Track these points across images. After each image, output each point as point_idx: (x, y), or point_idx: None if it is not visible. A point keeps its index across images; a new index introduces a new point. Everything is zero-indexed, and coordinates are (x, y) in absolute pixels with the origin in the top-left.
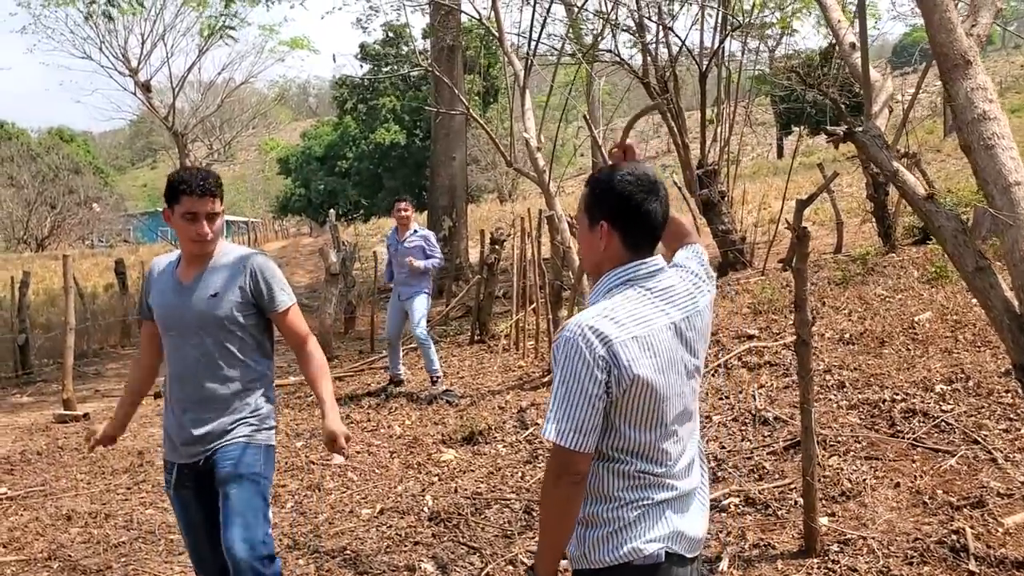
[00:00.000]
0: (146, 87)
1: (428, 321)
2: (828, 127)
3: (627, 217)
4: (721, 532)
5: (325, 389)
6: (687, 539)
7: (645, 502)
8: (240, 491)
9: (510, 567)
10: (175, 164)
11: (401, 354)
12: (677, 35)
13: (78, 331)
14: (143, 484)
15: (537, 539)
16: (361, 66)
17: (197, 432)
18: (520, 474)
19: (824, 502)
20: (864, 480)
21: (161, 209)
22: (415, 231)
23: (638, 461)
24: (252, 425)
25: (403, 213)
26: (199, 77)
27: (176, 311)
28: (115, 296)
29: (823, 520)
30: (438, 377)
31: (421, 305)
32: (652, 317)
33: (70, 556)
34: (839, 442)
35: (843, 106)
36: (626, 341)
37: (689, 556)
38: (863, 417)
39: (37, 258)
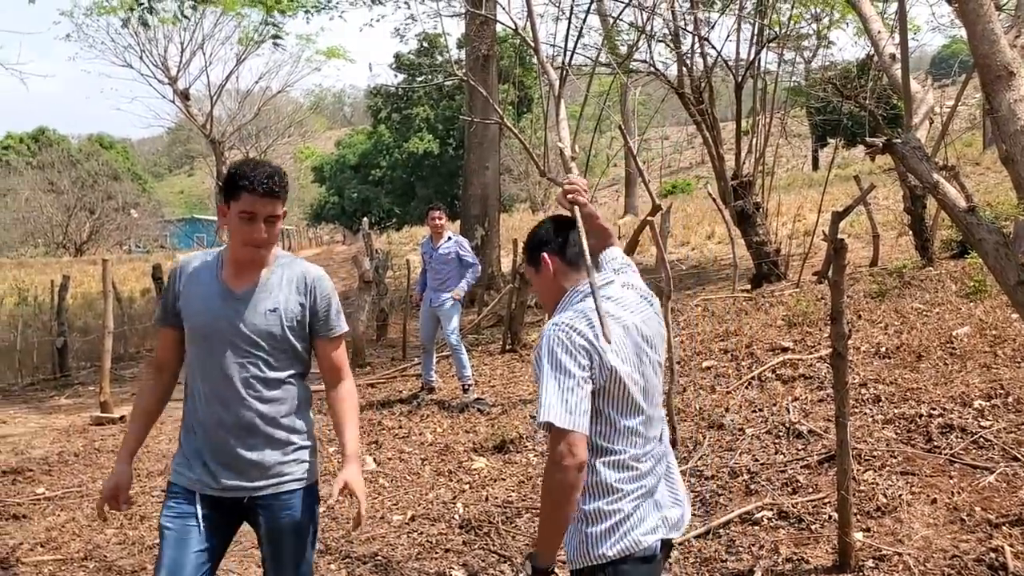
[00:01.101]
0: (185, 95)
1: (460, 329)
2: (867, 138)
3: (555, 242)
4: (754, 545)
5: (351, 436)
6: (670, 522)
7: (640, 491)
8: (298, 543)
9: None
10: (212, 172)
11: (435, 361)
12: (713, 46)
13: (115, 335)
14: None
15: (537, 529)
16: (396, 76)
17: (250, 457)
18: None
19: (859, 517)
20: (900, 496)
21: (206, 214)
22: (449, 238)
23: (629, 448)
24: (305, 462)
25: (437, 222)
26: (236, 86)
27: (223, 322)
28: (151, 301)
29: (858, 535)
30: (470, 385)
31: (453, 312)
32: (616, 317)
33: (106, 556)
34: (874, 457)
35: (880, 118)
36: (599, 335)
37: (674, 537)
38: (899, 432)
39: (76, 262)
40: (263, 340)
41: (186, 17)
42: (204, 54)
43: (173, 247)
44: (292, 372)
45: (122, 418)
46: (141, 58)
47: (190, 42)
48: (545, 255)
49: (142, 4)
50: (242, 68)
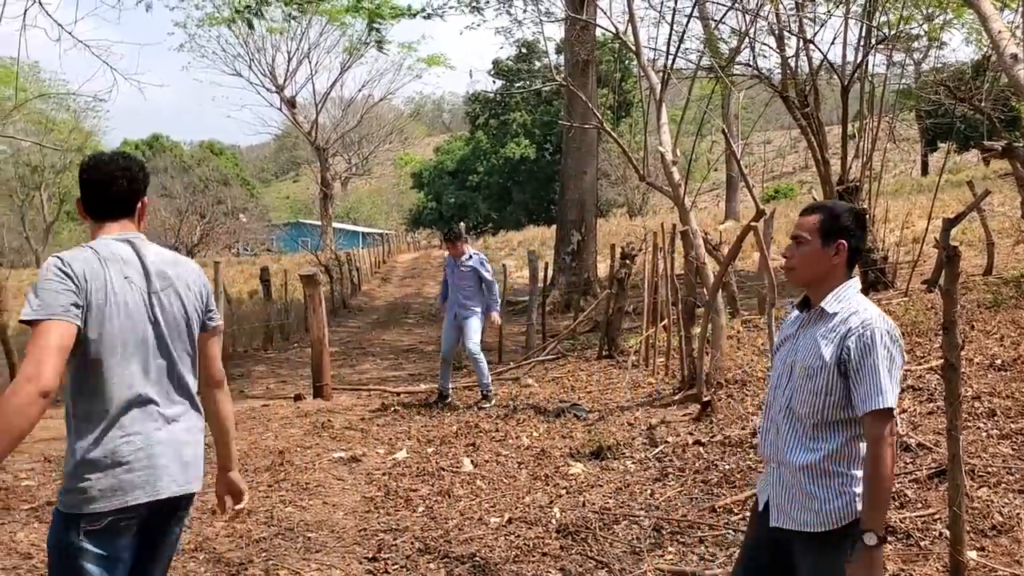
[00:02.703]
0: (291, 103)
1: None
2: (983, 142)
3: (858, 238)
4: None
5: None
6: None
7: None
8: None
9: None
10: (316, 178)
11: (451, 372)
12: (819, 48)
13: (225, 334)
14: (283, 483)
15: (871, 503)
16: (494, 82)
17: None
18: (649, 491)
19: (972, 535)
20: (1017, 515)
21: (293, 220)
22: (470, 256)
23: None
24: None
25: (454, 248)
26: (340, 94)
27: None
28: (259, 302)
29: (971, 554)
30: (489, 391)
31: (476, 324)
32: None
33: (215, 548)
34: (989, 473)
35: (998, 121)
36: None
37: None
38: (1016, 448)
39: None
40: None
41: (293, 19)
42: (310, 63)
43: (279, 250)
44: None
45: None
46: (250, 67)
47: (296, 51)
48: (844, 243)
49: (249, 7)
50: (346, 76)
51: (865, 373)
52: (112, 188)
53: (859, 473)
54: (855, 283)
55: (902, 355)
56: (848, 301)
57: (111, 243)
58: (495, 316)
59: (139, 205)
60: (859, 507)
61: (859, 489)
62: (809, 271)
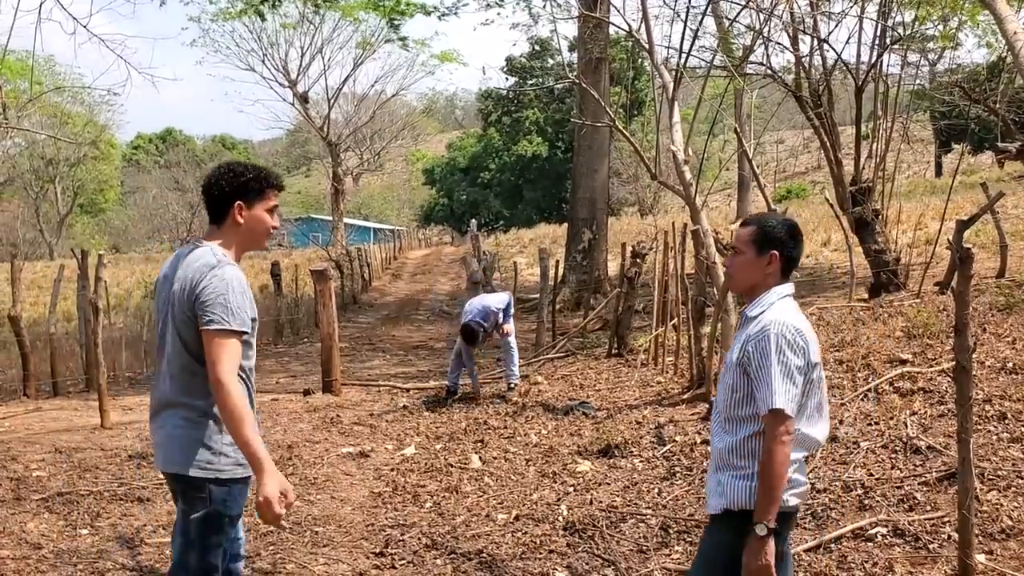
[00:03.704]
0: (304, 98)
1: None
2: (998, 143)
3: (790, 249)
4: (867, 562)
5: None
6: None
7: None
8: None
9: None
10: (328, 173)
11: (461, 369)
12: (833, 48)
13: None
14: (291, 477)
15: (761, 496)
16: (507, 79)
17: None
18: (657, 490)
19: (981, 539)
20: None
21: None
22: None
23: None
24: None
25: None
26: (353, 89)
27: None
28: (269, 296)
29: (980, 558)
30: (515, 383)
31: (510, 328)
32: (803, 319)
33: None
34: (999, 476)
35: (1012, 122)
36: (804, 334)
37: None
38: None
39: None
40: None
41: (309, 22)
42: (323, 58)
43: (290, 245)
44: None
45: None
46: (263, 62)
47: (310, 46)
48: (776, 253)
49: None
50: (359, 72)
51: (762, 375)
52: (204, 198)
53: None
54: (782, 289)
55: (803, 357)
56: (765, 306)
57: (187, 247)
58: (508, 327)
59: (229, 212)
60: (749, 501)
61: (756, 483)
62: (744, 279)
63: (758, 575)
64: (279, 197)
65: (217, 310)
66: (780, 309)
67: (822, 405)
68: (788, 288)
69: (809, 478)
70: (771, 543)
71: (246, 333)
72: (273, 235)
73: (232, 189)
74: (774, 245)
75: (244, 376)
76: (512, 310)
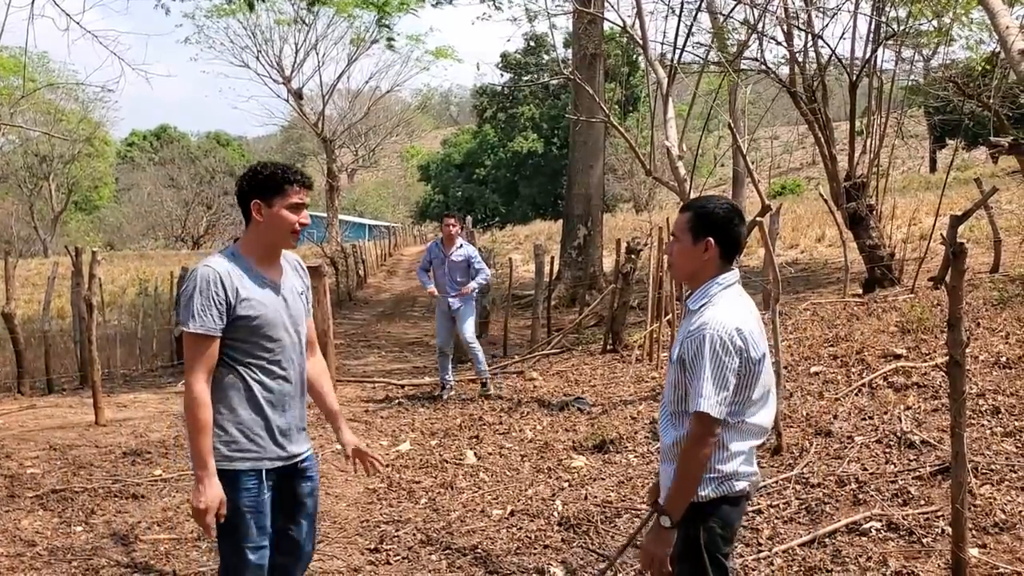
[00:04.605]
0: (298, 95)
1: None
2: (990, 138)
3: (726, 234)
4: (861, 557)
5: (334, 396)
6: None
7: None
8: (316, 502)
9: None
10: (323, 169)
11: (450, 363)
12: (827, 43)
13: None
14: None
15: (673, 489)
16: (502, 75)
17: (304, 427)
18: (652, 485)
19: (974, 532)
20: (1020, 512)
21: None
22: (460, 245)
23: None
24: None
25: (451, 229)
26: (347, 85)
27: (281, 312)
28: None
29: (973, 551)
30: (487, 378)
31: (470, 313)
32: (746, 310)
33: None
34: (992, 470)
35: (1006, 118)
36: (743, 332)
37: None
38: (1020, 445)
39: (193, 255)
40: (301, 321)
41: (303, 21)
42: (317, 54)
43: None
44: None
45: None
46: (258, 58)
47: (304, 43)
48: (711, 240)
49: None
50: (353, 68)
51: (694, 375)
52: None
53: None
54: (725, 278)
55: (740, 356)
56: (707, 298)
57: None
58: (468, 287)
59: (251, 212)
60: (700, 491)
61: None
62: (682, 268)
63: (653, 561)
64: (304, 194)
65: (181, 312)
66: (721, 304)
67: (768, 392)
68: (732, 276)
69: (803, 472)
70: (673, 535)
71: (208, 336)
72: (302, 233)
73: (250, 187)
74: (709, 231)
75: (254, 371)
76: (484, 281)
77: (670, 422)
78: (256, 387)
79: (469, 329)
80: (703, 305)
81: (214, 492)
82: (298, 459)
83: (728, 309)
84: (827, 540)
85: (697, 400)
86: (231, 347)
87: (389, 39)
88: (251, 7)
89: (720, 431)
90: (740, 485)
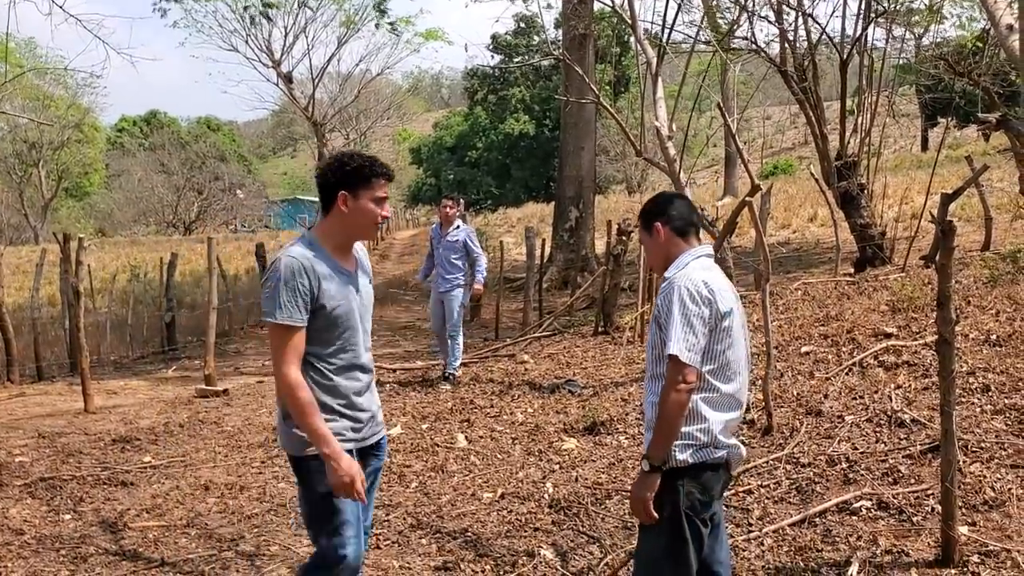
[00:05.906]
0: (288, 78)
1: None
2: (980, 115)
3: (665, 214)
4: (851, 536)
5: None
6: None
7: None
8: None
9: (631, 559)
10: (314, 153)
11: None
12: (817, 22)
13: (220, 311)
14: (276, 459)
15: (654, 436)
16: (492, 57)
17: (377, 409)
18: None
19: (964, 510)
20: (1009, 489)
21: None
22: (458, 226)
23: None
24: None
25: (447, 210)
26: (338, 69)
27: (355, 301)
28: (255, 278)
29: (963, 529)
30: (451, 373)
31: (457, 302)
32: (717, 274)
33: (207, 524)
34: (982, 448)
35: (996, 95)
36: (711, 285)
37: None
38: (1010, 423)
39: (185, 241)
40: (371, 310)
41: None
42: (307, 37)
43: (276, 227)
44: None
45: (225, 391)
46: (247, 42)
47: (293, 26)
48: (658, 224)
49: None
50: (343, 51)
51: (667, 324)
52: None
53: (684, 427)
54: (697, 250)
55: (707, 307)
56: (680, 267)
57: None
58: (479, 287)
59: (334, 202)
60: (678, 456)
61: (680, 441)
62: (655, 261)
63: (638, 504)
64: (387, 188)
65: (265, 303)
66: (691, 266)
67: (741, 361)
68: (703, 249)
69: (794, 452)
70: (655, 479)
71: (294, 327)
72: (381, 225)
73: (337, 179)
74: (654, 218)
75: (329, 361)
76: (484, 272)
77: (651, 388)
78: (334, 376)
79: (455, 320)
80: (676, 272)
81: (348, 463)
82: (372, 440)
83: (697, 268)
84: (817, 519)
85: (668, 345)
86: (308, 337)
87: (391, 23)
88: None
89: (696, 384)
90: (719, 453)
